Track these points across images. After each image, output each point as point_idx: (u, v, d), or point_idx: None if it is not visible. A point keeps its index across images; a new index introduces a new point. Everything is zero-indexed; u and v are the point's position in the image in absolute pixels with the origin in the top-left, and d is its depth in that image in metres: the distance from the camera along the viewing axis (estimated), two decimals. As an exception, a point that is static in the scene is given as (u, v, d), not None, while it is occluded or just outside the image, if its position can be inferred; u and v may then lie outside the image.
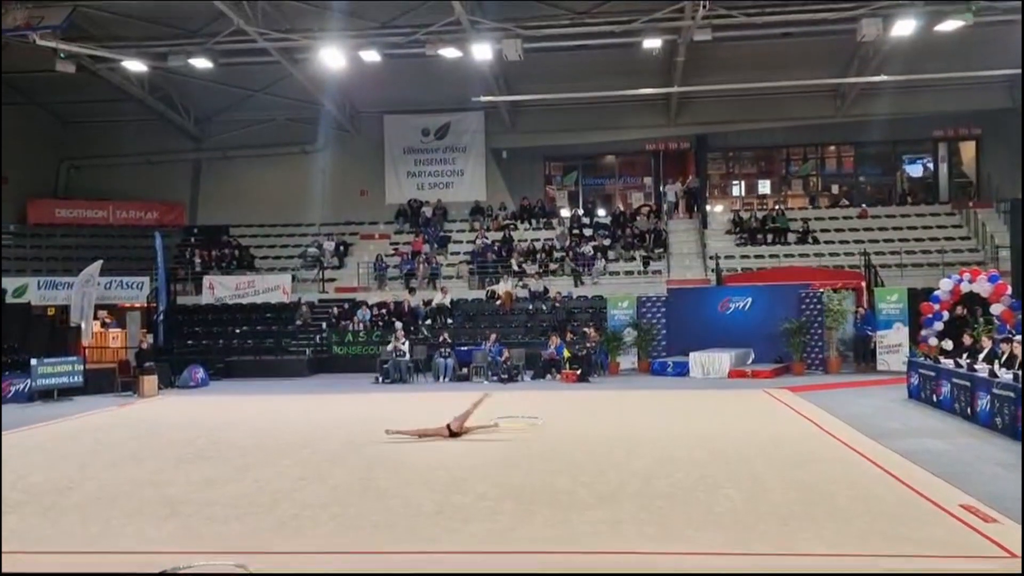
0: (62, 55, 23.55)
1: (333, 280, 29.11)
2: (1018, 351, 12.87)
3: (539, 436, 12.20)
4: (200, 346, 25.52)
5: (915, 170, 32.16)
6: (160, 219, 32.07)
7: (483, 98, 27.62)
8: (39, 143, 31.07)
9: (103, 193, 32.07)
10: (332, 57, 23.88)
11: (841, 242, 28.00)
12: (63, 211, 31.49)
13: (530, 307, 26.34)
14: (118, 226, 31.51)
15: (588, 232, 29.74)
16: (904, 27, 22.23)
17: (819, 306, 21.73)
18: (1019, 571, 5.88)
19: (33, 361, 18.32)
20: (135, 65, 25.32)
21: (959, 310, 19.70)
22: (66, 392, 18.73)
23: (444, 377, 21.66)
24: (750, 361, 21.82)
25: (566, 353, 21.50)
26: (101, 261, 23.82)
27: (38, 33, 22.18)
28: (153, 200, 32.47)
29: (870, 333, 21.82)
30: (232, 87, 29.09)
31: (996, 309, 19.51)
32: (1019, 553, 6.28)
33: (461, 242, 30.50)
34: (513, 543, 6.91)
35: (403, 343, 22.13)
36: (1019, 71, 24.70)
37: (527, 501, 8.26)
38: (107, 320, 24.70)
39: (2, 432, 12.53)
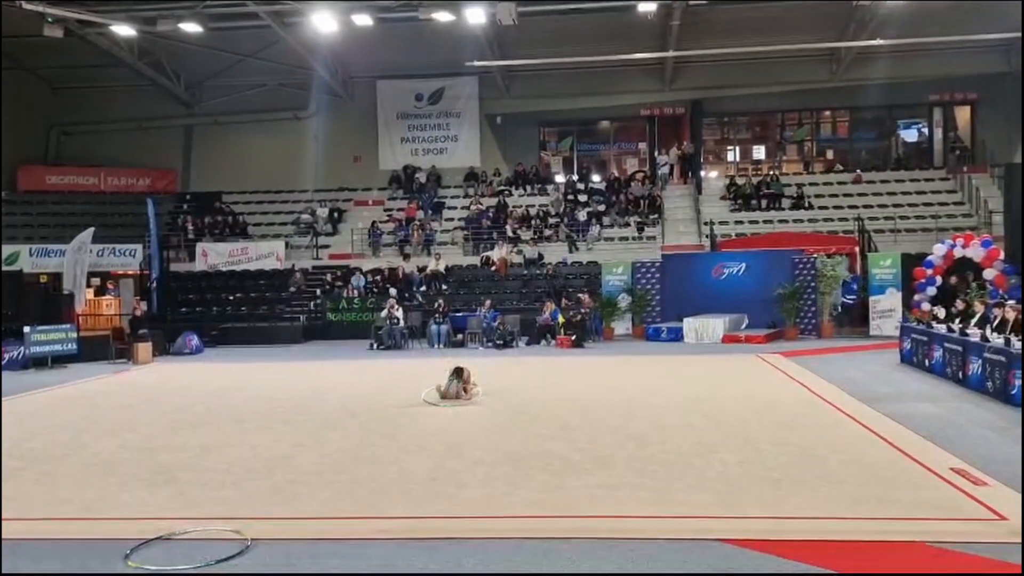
0: (49, 19, 23.24)
1: (327, 247, 29.07)
2: (1010, 316, 12.91)
3: (534, 402, 12.24)
4: (194, 313, 25.51)
5: (910, 135, 32.08)
6: (152, 186, 31.90)
7: (477, 63, 27.39)
8: (28, 109, 30.78)
9: (94, 159, 31.88)
10: (323, 21, 23.62)
11: (835, 207, 28.00)
12: (54, 178, 31.29)
13: (525, 273, 26.34)
14: (110, 193, 31.36)
15: (583, 198, 29.67)
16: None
17: (813, 271, 21.77)
18: (1017, 535, 5.93)
19: (26, 329, 18.29)
20: (124, 29, 25.03)
21: (952, 280, 19.72)
22: (60, 360, 18.71)
23: (438, 344, 21.71)
24: (744, 326, 21.90)
25: (561, 319, 21.55)
26: (93, 228, 23.73)
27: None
28: (145, 167, 32.27)
29: (846, 298, 22.01)
30: (223, 52, 28.76)
31: (989, 274, 19.59)
32: (1009, 516, 6.34)
33: (456, 208, 30.44)
34: (508, 508, 6.95)
35: (397, 310, 22.14)
36: (1015, 35, 24.61)
37: (522, 466, 8.30)
38: (110, 287, 24.65)
39: (1, 399, 12.55)
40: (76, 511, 7.16)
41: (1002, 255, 19.96)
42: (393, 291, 24.45)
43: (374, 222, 29.19)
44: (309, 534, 6.42)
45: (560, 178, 31.99)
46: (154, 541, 6.21)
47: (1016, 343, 11.27)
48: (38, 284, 23.65)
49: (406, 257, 27.35)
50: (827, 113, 32.52)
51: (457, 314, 22.86)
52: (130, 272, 27.33)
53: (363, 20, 23.96)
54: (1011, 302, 14.26)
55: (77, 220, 27.89)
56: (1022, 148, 26.23)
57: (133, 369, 18.33)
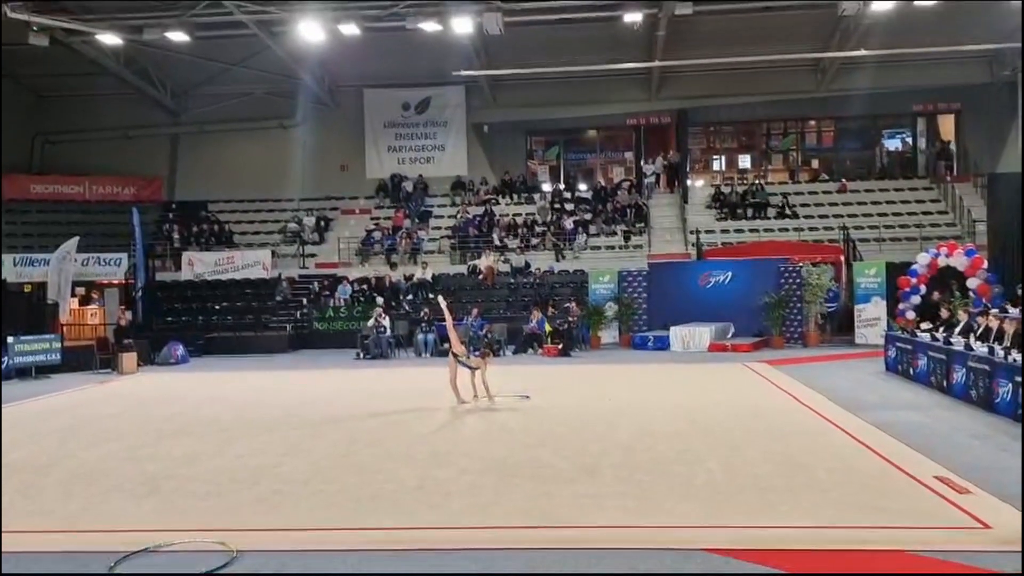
0: (35, 27, 23.13)
1: (313, 255, 28.99)
2: (994, 324, 13.00)
3: (521, 410, 12.24)
4: (179, 323, 25.36)
5: (894, 144, 32.31)
6: (137, 194, 31.71)
7: (464, 72, 27.43)
8: (13, 118, 30.48)
9: (79, 168, 31.65)
10: (310, 30, 23.57)
11: (821, 216, 28.14)
12: (38, 187, 31.06)
13: (512, 282, 26.35)
14: (95, 202, 31.14)
15: (570, 207, 29.72)
16: (884, 2, 22.23)
17: (798, 280, 21.86)
18: (1000, 543, 5.97)
19: (10, 339, 18.15)
20: (110, 38, 24.89)
21: (935, 296, 19.82)
22: (44, 370, 18.59)
23: (425, 352, 21.69)
24: (730, 335, 21.96)
25: (548, 327, 21.57)
26: (78, 237, 23.59)
27: (9, 5, 21.76)
28: (130, 175, 32.09)
29: (827, 306, 22.18)
30: (209, 60, 28.67)
31: (972, 283, 19.73)
32: (992, 524, 6.39)
33: (443, 217, 30.44)
34: (494, 518, 6.95)
35: (384, 318, 22.11)
36: (998, 46, 24.95)
37: (509, 475, 8.30)
38: (94, 296, 24.52)
39: (1, 407, 12.47)
40: (59, 522, 7.11)
41: (985, 264, 20.13)
42: (380, 299, 24.41)
43: (369, 232, 29.17)
44: (295, 544, 6.40)
45: (547, 187, 32.05)
46: (139, 553, 6.17)
47: (999, 351, 11.34)
48: (22, 294, 23.44)
49: (393, 266, 27.32)
50: (812, 122, 32.69)
51: (442, 323, 22.80)
52: (115, 281, 27.17)
53: (350, 29, 23.92)
54: (994, 311, 14.37)
55: (61, 229, 27.68)
56: (1022, 153, 26.46)
57: (118, 379, 18.23)
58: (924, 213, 27.75)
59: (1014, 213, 19.85)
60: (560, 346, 20.91)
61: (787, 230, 27.44)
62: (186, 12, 23.65)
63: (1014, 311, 14.59)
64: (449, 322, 13.95)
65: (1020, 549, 5.73)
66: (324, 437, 10.61)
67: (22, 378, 18.04)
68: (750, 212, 28.73)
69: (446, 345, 21.45)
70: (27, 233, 29.48)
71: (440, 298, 15.23)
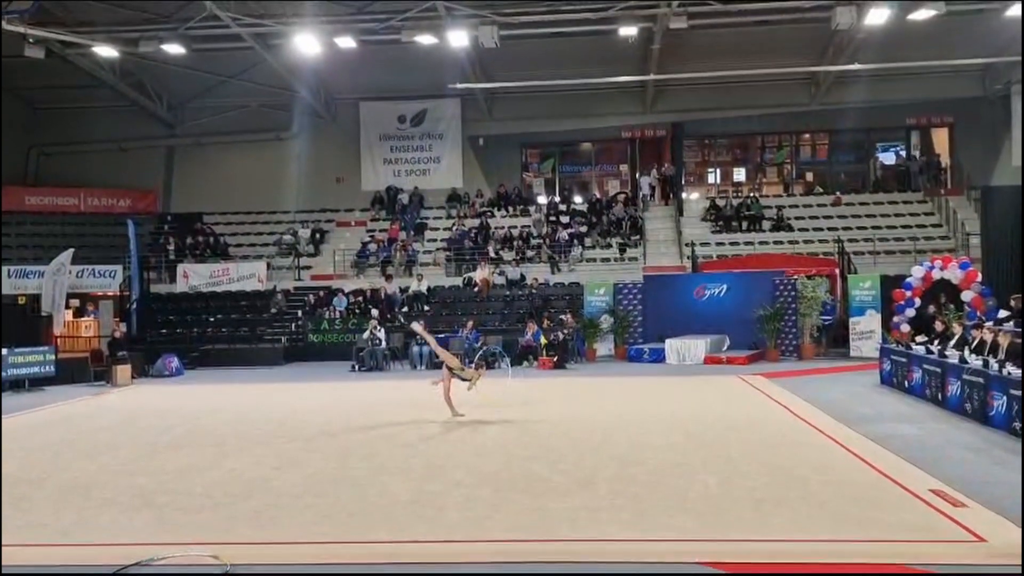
0: (31, 40, 23.17)
1: (309, 268, 28.99)
2: (988, 337, 13.01)
3: (516, 423, 12.22)
4: (174, 335, 25.31)
5: (888, 158, 32.42)
6: (133, 207, 31.70)
7: (459, 85, 27.54)
8: (8, 129, 30.48)
9: (74, 180, 31.64)
10: (306, 43, 23.67)
11: (815, 229, 28.20)
12: (33, 199, 31.03)
13: (507, 294, 26.34)
14: (90, 214, 31.12)
15: (565, 219, 29.76)
16: (878, 15, 22.38)
17: (793, 293, 21.89)
18: (996, 557, 5.97)
19: (3, 351, 18.06)
20: (106, 51, 24.99)
21: (929, 309, 19.86)
22: (37, 382, 18.52)
23: (420, 365, 21.66)
24: (725, 347, 21.97)
25: (543, 340, 21.56)
26: (72, 249, 23.58)
27: (5, 18, 21.80)
28: (126, 187, 32.09)
29: (823, 318, 22.21)
30: (205, 73, 28.77)
31: (967, 296, 19.79)
32: (987, 537, 6.38)
33: (438, 229, 30.46)
34: (489, 531, 6.92)
35: (379, 330, 22.08)
36: (990, 60, 25.13)
37: (503, 488, 8.27)
38: (89, 308, 24.45)
39: (1, 418, 12.41)
40: (53, 536, 7.06)
41: (979, 277, 20.18)
42: (375, 312, 24.39)
43: (365, 243, 29.16)
44: (289, 559, 6.38)
45: (542, 199, 32.10)
46: (132, 567, 6.13)
47: (994, 364, 11.36)
48: (16, 305, 23.37)
49: (388, 278, 27.31)
50: (806, 136, 32.81)
51: (439, 335, 22.76)
52: (110, 293, 27.13)
53: (346, 42, 24.04)
54: (988, 324, 14.40)
55: (56, 241, 27.70)
56: (1022, 165, 26.61)
57: (112, 391, 18.17)
58: (918, 226, 27.83)
59: (1008, 226, 19.93)
60: (555, 358, 20.89)
61: (782, 243, 27.52)
62: (182, 25, 23.78)
63: (1008, 323, 14.63)
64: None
65: (1020, 563, 5.72)
66: (318, 450, 10.57)
67: (16, 390, 17.93)
68: (745, 225, 28.79)
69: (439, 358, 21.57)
70: (22, 245, 29.42)
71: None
